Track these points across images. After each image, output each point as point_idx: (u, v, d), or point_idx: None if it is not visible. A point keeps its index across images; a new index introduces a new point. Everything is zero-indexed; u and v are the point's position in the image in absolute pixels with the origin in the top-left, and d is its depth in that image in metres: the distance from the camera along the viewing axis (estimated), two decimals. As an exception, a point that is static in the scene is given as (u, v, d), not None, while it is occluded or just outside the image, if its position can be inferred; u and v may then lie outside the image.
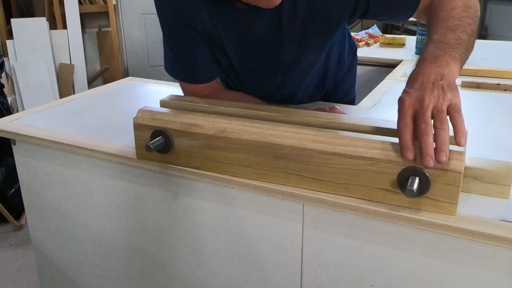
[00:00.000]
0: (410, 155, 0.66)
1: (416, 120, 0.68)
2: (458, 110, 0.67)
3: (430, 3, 0.89)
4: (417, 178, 0.67)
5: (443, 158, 0.64)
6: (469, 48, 0.79)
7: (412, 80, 0.73)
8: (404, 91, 0.72)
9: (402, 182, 0.69)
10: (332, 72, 1.17)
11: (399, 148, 0.68)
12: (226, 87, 1.18)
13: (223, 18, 0.96)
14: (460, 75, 1.54)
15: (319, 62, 1.09)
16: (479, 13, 0.85)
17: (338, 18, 0.95)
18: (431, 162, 0.64)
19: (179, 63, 1.04)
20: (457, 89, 0.70)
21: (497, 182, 0.72)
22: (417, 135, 0.67)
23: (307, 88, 1.14)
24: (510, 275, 0.67)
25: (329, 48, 1.09)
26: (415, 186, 0.66)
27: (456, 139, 0.66)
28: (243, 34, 0.98)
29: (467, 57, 0.78)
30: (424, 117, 0.66)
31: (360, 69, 1.80)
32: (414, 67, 0.77)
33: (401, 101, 0.70)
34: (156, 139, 0.85)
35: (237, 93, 1.10)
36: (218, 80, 1.13)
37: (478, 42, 2.27)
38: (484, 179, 0.73)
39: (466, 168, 0.72)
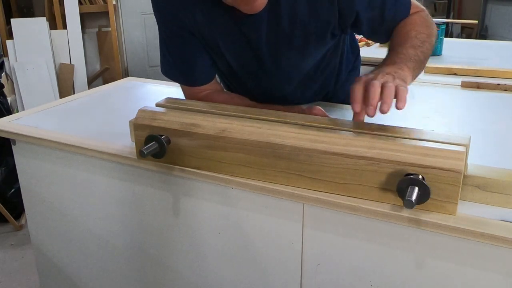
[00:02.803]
0: (357, 107, 0.76)
1: (366, 86, 0.77)
2: (404, 87, 0.75)
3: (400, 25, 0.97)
4: (416, 188, 0.67)
5: (385, 108, 0.73)
6: (421, 66, 0.90)
7: (372, 72, 0.83)
8: (364, 75, 0.82)
9: (401, 192, 0.69)
10: (334, 72, 1.17)
11: (351, 103, 0.77)
12: (226, 88, 1.18)
13: (220, 25, 0.96)
14: (460, 75, 1.54)
15: (320, 63, 1.09)
16: (434, 43, 0.98)
17: (327, 24, 0.96)
18: (372, 111, 0.74)
19: (176, 66, 1.05)
20: (407, 84, 0.79)
21: (501, 192, 0.71)
22: (366, 96, 0.75)
23: (309, 89, 1.14)
24: (510, 276, 0.67)
25: (331, 49, 1.09)
26: (414, 196, 0.65)
27: (397, 104, 0.74)
28: (240, 40, 0.98)
29: (417, 74, 0.89)
30: (374, 83, 0.75)
31: (360, 69, 1.80)
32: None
33: (358, 78, 0.80)
34: (150, 144, 0.85)
35: (233, 95, 1.10)
36: (218, 80, 1.13)
37: (478, 42, 2.27)
38: (488, 188, 0.72)
39: (469, 177, 0.72)
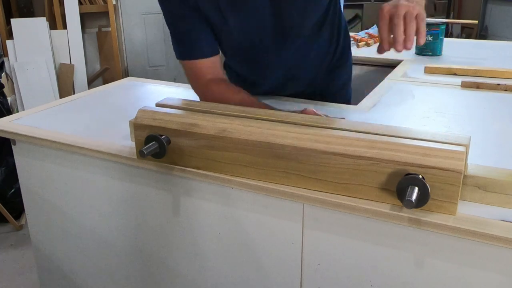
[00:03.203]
0: (387, 46, 0.85)
1: (391, 19, 0.84)
2: (423, 19, 0.84)
3: None
4: (416, 187, 0.67)
5: (409, 45, 0.83)
6: None
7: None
8: (385, 3, 0.88)
9: (401, 191, 0.69)
10: (332, 48, 1.24)
11: (379, 41, 0.86)
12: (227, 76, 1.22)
13: None
14: (460, 75, 1.54)
15: (319, 30, 1.15)
16: None
17: None
18: (401, 47, 0.82)
19: (178, 39, 1.08)
20: (423, 8, 0.86)
21: (502, 192, 0.71)
22: (391, 29, 0.84)
23: (311, 61, 1.20)
24: (510, 276, 0.67)
25: (330, 16, 1.16)
26: (414, 196, 0.65)
27: (418, 40, 0.84)
28: (245, 7, 1.03)
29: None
30: (398, 15, 0.83)
31: (360, 69, 1.80)
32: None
33: (381, 7, 0.86)
34: (150, 144, 0.85)
35: (244, 95, 1.09)
36: (224, 71, 1.16)
37: (478, 42, 2.27)
38: (488, 188, 0.71)
39: (469, 177, 0.72)
